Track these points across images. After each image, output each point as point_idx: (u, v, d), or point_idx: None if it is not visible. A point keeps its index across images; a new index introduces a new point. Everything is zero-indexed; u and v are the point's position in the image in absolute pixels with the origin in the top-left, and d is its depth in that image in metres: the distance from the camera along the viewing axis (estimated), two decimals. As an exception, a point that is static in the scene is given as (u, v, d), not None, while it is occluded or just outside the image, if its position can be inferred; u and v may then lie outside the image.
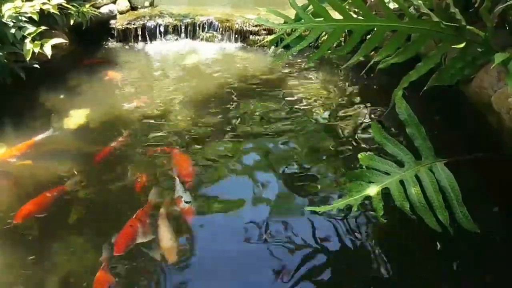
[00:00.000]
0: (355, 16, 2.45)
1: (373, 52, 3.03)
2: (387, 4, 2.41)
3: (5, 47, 3.63)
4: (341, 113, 3.62)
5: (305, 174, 2.87)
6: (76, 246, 2.31)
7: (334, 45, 3.04)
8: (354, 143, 3.19)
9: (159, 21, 5.42)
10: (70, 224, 2.45)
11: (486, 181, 2.58)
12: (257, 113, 3.61)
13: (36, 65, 3.78)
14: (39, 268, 2.16)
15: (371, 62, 2.61)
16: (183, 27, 5.39)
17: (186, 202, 2.58)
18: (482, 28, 2.28)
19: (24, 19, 3.78)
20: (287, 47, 4.16)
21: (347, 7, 2.46)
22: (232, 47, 5.30)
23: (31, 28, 3.77)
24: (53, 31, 4.16)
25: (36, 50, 3.71)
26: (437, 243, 2.25)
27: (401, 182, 2.23)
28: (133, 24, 5.38)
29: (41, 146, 3.11)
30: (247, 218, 2.49)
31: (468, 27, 2.23)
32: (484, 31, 2.25)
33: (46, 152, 3.05)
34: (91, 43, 5.05)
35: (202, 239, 2.39)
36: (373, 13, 2.43)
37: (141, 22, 5.40)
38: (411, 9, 2.46)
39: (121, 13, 5.56)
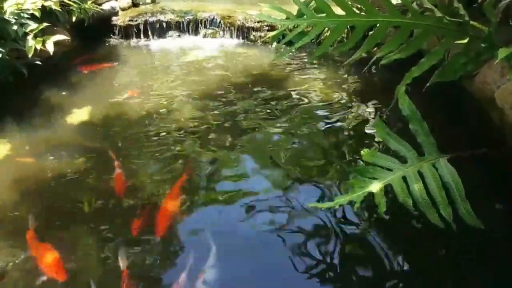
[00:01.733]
0: (357, 11, 2.44)
1: (375, 48, 3.02)
2: (389, 0, 2.40)
3: (7, 43, 3.64)
4: (343, 109, 3.61)
5: (307, 170, 2.87)
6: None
7: (337, 41, 3.03)
8: (357, 139, 3.19)
9: (161, 17, 5.42)
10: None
11: (489, 178, 2.58)
12: (258, 110, 3.61)
13: (38, 62, 3.78)
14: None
15: (374, 58, 2.60)
16: (185, 24, 5.39)
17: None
18: (486, 23, 2.26)
19: (26, 15, 3.79)
20: (289, 43, 4.15)
21: (349, 2, 2.44)
22: (234, 43, 5.30)
23: (33, 25, 3.77)
24: (55, 28, 4.17)
25: (38, 46, 3.72)
26: (439, 239, 2.24)
27: (404, 178, 2.22)
28: (135, 21, 5.39)
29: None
30: (248, 214, 2.49)
31: (471, 22, 2.22)
32: (488, 27, 2.24)
33: (49, 148, 3.06)
34: (93, 40, 5.05)
35: (201, 232, 2.38)
36: (376, 8, 2.42)
37: (143, 19, 5.40)
38: (414, 5, 2.45)
39: (123, 9, 5.56)
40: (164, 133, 3.27)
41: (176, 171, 2.85)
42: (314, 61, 4.56)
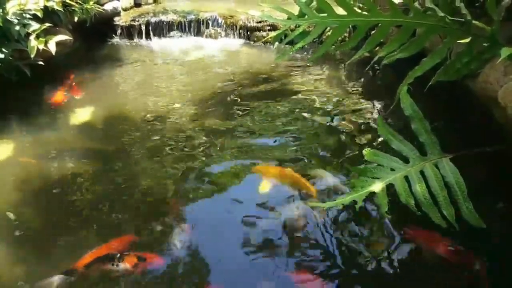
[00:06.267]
0: (359, 11, 2.43)
1: (377, 48, 3.01)
2: (392, -1, 2.39)
3: (10, 44, 3.64)
4: (345, 109, 3.60)
5: (309, 169, 2.86)
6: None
7: (338, 40, 3.03)
8: (359, 139, 3.18)
9: (163, 17, 5.43)
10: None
11: (492, 177, 2.57)
12: (260, 109, 3.61)
13: (41, 62, 3.79)
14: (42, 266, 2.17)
15: (376, 58, 2.59)
16: (187, 24, 5.40)
17: None
18: (488, 22, 2.25)
19: (28, 16, 3.79)
20: (290, 43, 4.14)
21: (351, 2, 2.44)
22: (236, 43, 5.30)
23: (35, 25, 3.78)
24: (57, 28, 4.17)
25: (41, 47, 3.73)
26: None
27: (406, 178, 2.22)
28: (137, 21, 5.40)
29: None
30: (250, 212, 2.49)
31: (474, 21, 2.21)
32: (490, 25, 2.23)
33: (51, 149, 3.06)
34: (95, 40, 5.06)
35: (201, 232, 2.38)
36: (378, 8, 2.41)
37: (145, 19, 5.41)
38: (416, 4, 2.44)
39: (125, 10, 5.57)
40: (166, 133, 3.26)
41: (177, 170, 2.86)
42: (316, 61, 4.55)
